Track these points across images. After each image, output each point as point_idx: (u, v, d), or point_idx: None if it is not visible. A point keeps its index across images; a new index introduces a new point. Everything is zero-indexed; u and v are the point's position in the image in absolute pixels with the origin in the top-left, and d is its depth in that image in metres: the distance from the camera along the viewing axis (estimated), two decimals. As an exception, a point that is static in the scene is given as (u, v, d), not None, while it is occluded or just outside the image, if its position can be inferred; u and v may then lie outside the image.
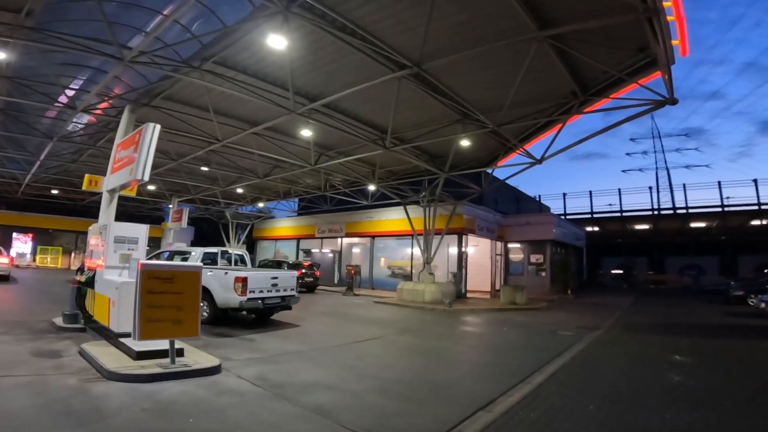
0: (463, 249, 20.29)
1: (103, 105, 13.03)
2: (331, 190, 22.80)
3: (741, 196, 41.18)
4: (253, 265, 28.02)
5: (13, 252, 27.88)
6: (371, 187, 21.08)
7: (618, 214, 40.70)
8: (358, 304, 16.23)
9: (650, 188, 43.05)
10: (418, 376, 5.99)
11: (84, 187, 10.50)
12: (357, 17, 8.28)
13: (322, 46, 9.51)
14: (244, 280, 8.55)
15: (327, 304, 15.69)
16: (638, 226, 41.35)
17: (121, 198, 29.61)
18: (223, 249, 10.74)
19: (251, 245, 33.65)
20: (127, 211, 33.73)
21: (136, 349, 5.35)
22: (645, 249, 42.39)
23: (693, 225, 39.23)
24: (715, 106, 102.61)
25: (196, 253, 10.00)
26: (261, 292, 8.96)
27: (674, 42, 8.73)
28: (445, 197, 18.94)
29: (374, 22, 8.43)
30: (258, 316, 10.22)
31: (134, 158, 6.93)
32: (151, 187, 24.54)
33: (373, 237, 23.75)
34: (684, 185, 38.42)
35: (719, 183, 35.94)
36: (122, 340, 5.66)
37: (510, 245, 24.84)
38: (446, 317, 13.11)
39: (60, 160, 20.29)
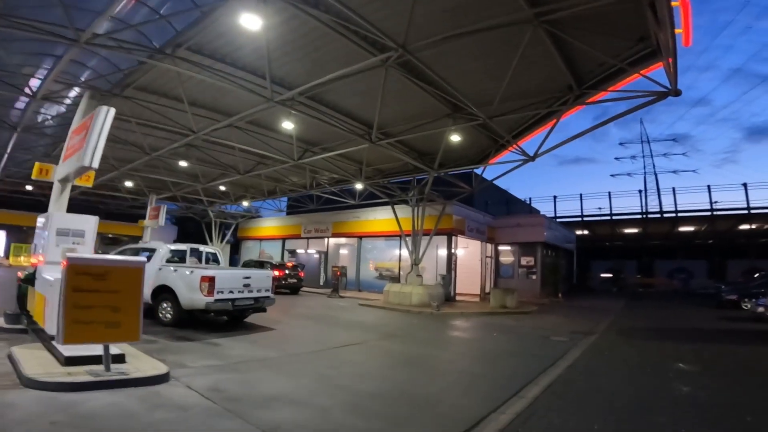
0: (453, 250, 19.67)
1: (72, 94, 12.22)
2: (318, 188, 22.07)
3: (728, 200, 41.29)
4: (236, 265, 27.19)
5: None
6: (358, 186, 20.41)
7: (608, 218, 40.50)
8: (342, 306, 15.51)
9: (640, 191, 42.99)
10: (398, 388, 5.31)
11: (33, 176, 9.66)
12: (338, -5, 7.61)
13: (303, 34, 8.90)
14: (211, 279, 7.80)
15: (309, 307, 14.94)
16: (627, 230, 41.24)
17: (99, 195, 28.51)
18: (193, 246, 9.95)
19: (236, 245, 32.71)
20: (108, 209, 32.66)
21: (66, 353, 4.59)
22: (634, 252, 42.31)
23: (682, 229, 39.19)
24: (702, 112, 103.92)
25: (162, 250, 9.19)
26: (231, 292, 8.22)
27: (677, 30, 8.21)
28: (434, 197, 18.33)
29: (360, 6, 7.76)
30: (230, 319, 9.48)
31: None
32: (128, 184, 23.57)
33: (360, 237, 23.04)
34: (673, 189, 38.47)
35: (708, 187, 35.88)
36: (54, 343, 4.88)
37: (500, 247, 24.32)
38: (434, 321, 12.45)
39: (33, 154, 19.26)
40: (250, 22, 7.73)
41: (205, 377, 5.17)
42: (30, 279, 6.34)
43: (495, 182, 32.56)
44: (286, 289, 19.68)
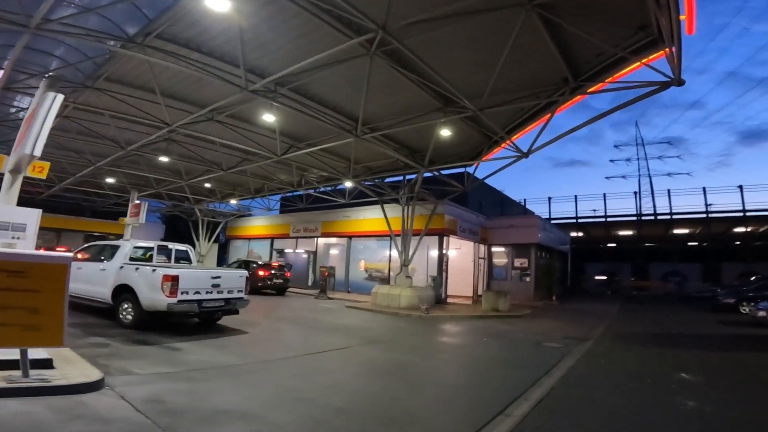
0: (444, 251, 19.07)
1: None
2: (306, 186, 21.45)
3: (722, 202, 41.03)
4: (224, 264, 26.42)
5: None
6: (347, 184, 19.80)
7: (602, 220, 40.16)
8: (328, 308, 14.87)
9: (635, 193, 42.67)
10: (371, 402, 4.70)
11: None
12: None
13: (278, 19, 8.36)
14: (174, 278, 7.16)
15: (293, 308, 14.29)
16: (622, 232, 40.91)
17: (82, 192, 27.63)
18: (161, 243, 9.30)
19: (225, 244, 31.96)
20: (93, 207, 31.87)
21: (-18, 357, 3.94)
22: (628, 255, 41.99)
23: (676, 231, 38.90)
24: (696, 116, 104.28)
25: (125, 248, 8.53)
26: (197, 293, 7.58)
27: (681, 17, 7.68)
28: (425, 195, 17.75)
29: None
30: (201, 321, 8.84)
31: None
32: (110, 180, 22.85)
33: (350, 237, 22.40)
34: (668, 191, 37.97)
35: (704, 189, 35.59)
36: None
37: (494, 248, 23.77)
38: (422, 325, 11.85)
39: (8, 147, 18.48)
40: (217, 3, 7.17)
41: (147, 386, 4.55)
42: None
43: (489, 183, 32.32)
44: (272, 290, 19.03)
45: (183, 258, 9.55)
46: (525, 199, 42.50)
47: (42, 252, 4.26)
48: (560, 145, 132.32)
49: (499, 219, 24.48)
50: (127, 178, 22.30)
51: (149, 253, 9.05)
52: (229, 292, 8.20)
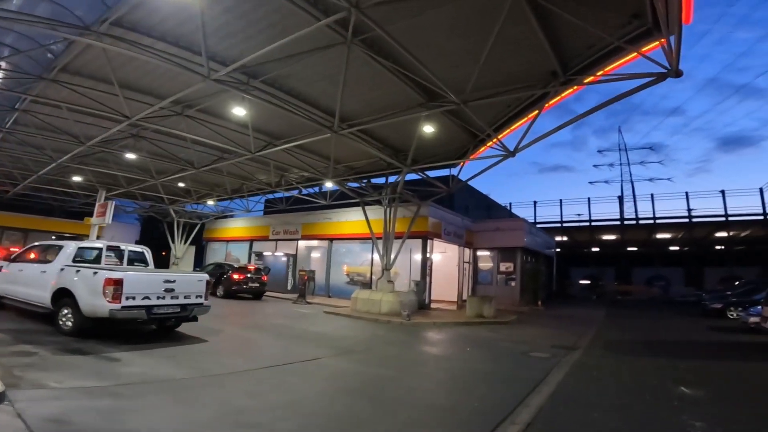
0: (428, 255, 18.41)
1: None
2: (286, 187, 20.60)
3: (703, 207, 41.45)
4: (198, 268, 25.24)
5: None
6: (329, 184, 19.07)
7: (587, 224, 40.10)
8: (304, 314, 14.05)
9: (619, 198, 42.79)
10: (330, 427, 3.96)
11: None
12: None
13: (246, 4, 7.62)
14: (117, 282, 6.33)
15: (266, 314, 13.45)
16: (606, 236, 40.96)
17: (49, 191, 26.32)
18: (112, 244, 8.43)
19: (201, 247, 30.79)
20: (63, 207, 30.42)
21: None
22: (612, 259, 42.02)
23: (659, 236, 39.08)
24: (676, 122, 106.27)
25: (69, 248, 7.65)
26: (146, 298, 6.74)
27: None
28: (409, 197, 17.08)
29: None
30: (158, 328, 7.99)
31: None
32: (76, 178, 21.65)
33: (331, 240, 21.59)
34: (652, 195, 38.12)
35: (687, 193, 35.77)
36: None
37: (479, 252, 23.22)
38: (402, 333, 11.13)
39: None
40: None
41: (57, 403, 3.83)
42: None
43: (476, 187, 31.96)
44: (248, 294, 18.12)
45: (138, 260, 8.69)
46: (510, 203, 42.30)
47: None
48: (545, 151, 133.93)
49: (484, 222, 23.97)
50: (95, 177, 21.17)
51: (95, 255, 8.16)
52: (185, 297, 7.37)
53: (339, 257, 21.46)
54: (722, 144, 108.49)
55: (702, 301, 18.95)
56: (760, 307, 12.00)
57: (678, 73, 7.86)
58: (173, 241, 27.73)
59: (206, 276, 7.86)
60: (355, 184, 18.22)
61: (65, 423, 3.37)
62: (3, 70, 10.80)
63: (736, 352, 9.32)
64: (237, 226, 27.41)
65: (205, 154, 16.22)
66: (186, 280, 7.50)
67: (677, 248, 40.94)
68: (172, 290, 7.13)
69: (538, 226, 36.23)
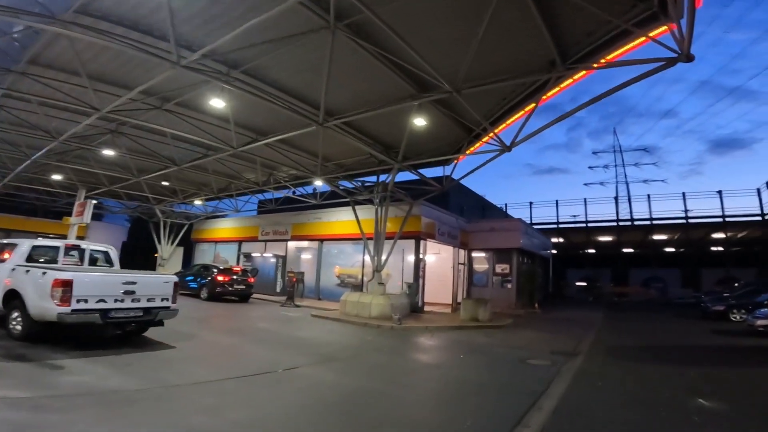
0: (421, 256, 17.76)
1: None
2: (274, 185, 19.92)
3: (699, 208, 41.27)
4: (182, 269, 24.42)
5: None
6: (318, 183, 18.42)
7: (583, 225, 39.65)
8: (290, 318, 13.37)
9: (615, 198, 42.40)
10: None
11: None
12: None
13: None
14: (66, 283, 5.66)
15: (249, 318, 12.75)
16: (602, 238, 40.54)
17: (30, 190, 25.52)
18: (72, 242, 7.77)
19: (190, 248, 29.99)
20: (47, 207, 29.55)
21: None
22: (608, 261, 41.61)
23: (656, 237, 38.70)
24: (669, 125, 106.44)
25: (24, 246, 6.97)
26: (101, 301, 6.08)
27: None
28: (401, 195, 16.46)
29: None
30: (124, 333, 7.32)
31: None
32: (57, 177, 20.87)
33: (321, 240, 20.90)
34: (648, 196, 37.68)
35: (683, 194, 35.40)
36: None
37: (474, 254, 22.61)
38: (392, 338, 10.48)
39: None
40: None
41: None
42: None
43: (471, 188, 31.38)
44: (234, 297, 17.41)
45: (103, 261, 7.99)
46: (506, 204, 41.84)
47: None
48: (539, 153, 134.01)
49: (479, 222, 23.38)
50: (76, 176, 20.41)
51: (51, 255, 7.47)
52: (149, 300, 6.70)
53: (330, 258, 20.78)
54: (715, 146, 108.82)
55: (702, 303, 18.42)
56: (766, 309, 11.47)
57: (689, 58, 7.30)
58: (159, 242, 26.93)
59: (173, 277, 7.17)
60: (347, 183, 17.60)
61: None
62: None
63: (748, 358, 8.76)
64: (226, 227, 26.67)
65: (189, 151, 15.53)
66: (149, 281, 6.82)
67: (674, 250, 40.59)
68: (132, 293, 6.46)
69: (534, 227, 35.75)
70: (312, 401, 4.93)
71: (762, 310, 11.53)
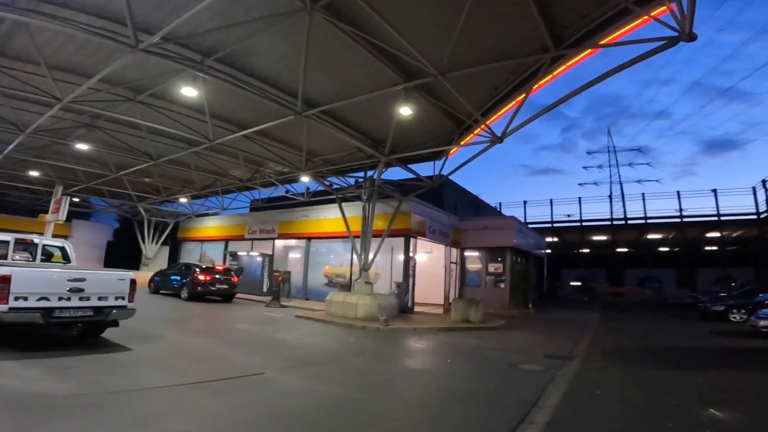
0: (411, 254, 17.13)
1: None
2: (262, 181, 19.27)
3: (694, 207, 40.96)
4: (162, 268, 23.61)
5: None
6: (304, 179, 17.77)
7: (578, 224, 39.18)
8: (272, 318, 12.72)
9: (609, 197, 42.05)
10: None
11: None
12: None
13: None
14: (3, 279, 5.01)
15: (229, 318, 12.08)
16: (597, 237, 40.13)
17: (10, 188, 24.60)
18: (22, 237, 7.10)
19: (176, 247, 29.21)
20: (29, 205, 28.64)
21: None
22: (603, 260, 41.21)
23: (651, 236, 38.35)
24: (662, 125, 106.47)
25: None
26: (44, 299, 5.43)
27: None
28: (390, 191, 15.85)
29: None
30: (78, 334, 6.69)
31: None
32: (33, 173, 20.07)
33: (309, 239, 20.24)
34: (643, 195, 37.31)
35: (678, 193, 35.03)
36: None
37: (467, 253, 22.00)
38: (377, 340, 9.85)
39: None
40: None
41: None
42: None
43: (465, 187, 30.77)
44: (217, 297, 16.72)
45: (64, 256, 7.34)
46: (500, 203, 41.33)
47: None
48: (534, 153, 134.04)
49: (472, 220, 22.78)
50: (54, 172, 19.62)
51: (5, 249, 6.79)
52: (100, 298, 6.05)
53: (318, 257, 20.12)
54: (707, 147, 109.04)
55: (700, 303, 17.95)
56: (770, 309, 10.97)
57: (691, 37, 6.76)
58: (143, 241, 26.13)
59: (129, 274, 6.50)
60: (336, 179, 16.98)
61: None
62: None
63: (754, 361, 8.21)
64: (212, 225, 25.92)
65: (169, 145, 14.82)
66: (101, 278, 6.18)
67: (669, 249, 40.28)
68: (81, 290, 5.80)
69: (529, 226, 35.26)
70: (269, 412, 4.30)
71: (765, 310, 11.01)
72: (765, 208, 29.85)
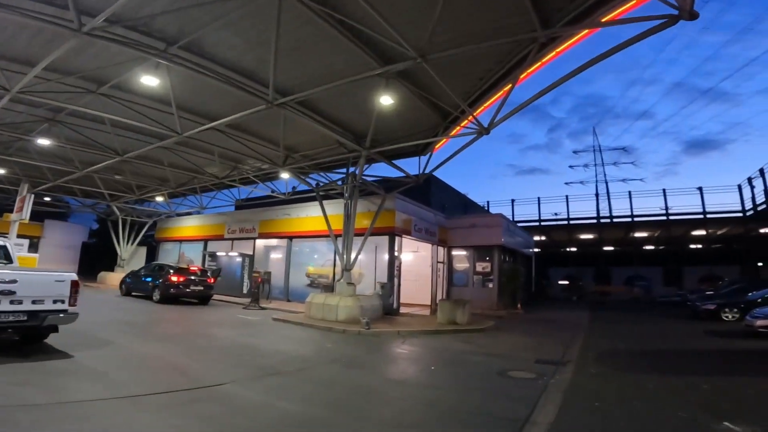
0: (396, 254, 16.48)
1: None
2: (241, 179, 18.45)
3: (679, 205, 41.07)
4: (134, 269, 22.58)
5: None
6: (284, 175, 17.03)
7: (565, 222, 39.00)
8: (248, 322, 11.96)
9: (596, 195, 41.96)
10: None
11: None
12: None
13: None
14: None
15: (199, 322, 11.28)
16: (584, 235, 39.98)
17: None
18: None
19: (153, 247, 28.16)
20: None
21: None
22: (591, 259, 41.09)
23: (637, 234, 38.30)
24: (645, 126, 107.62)
25: None
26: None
27: None
28: (373, 188, 15.18)
29: None
30: (21, 338, 5.93)
31: None
32: (0, 171, 18.97)
33: (290, 238, 19.46)
34: (629, 193, 37.25)
35: (664, 191, 35.03)
36: None
37: (454, 252, 21.43)
38: (357, 345, 9.17)
39: None
40: None
41: None
42: None
43: (453, 186, 30.25)
44: (192, 299, 15.89)
45: (4, 256, 6.54)
46: (488, 202, 40.99)
47: None
48: (521, 153, 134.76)
49: (459, 218, 22.23)
50: (21, 169, 18.56)
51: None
52: (35, 302, 5.30)
53: (300, 257, 19.36)
54: (689, 147, 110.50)
55: (689, 302, 17.66)
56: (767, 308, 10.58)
57: (693, 15, 6.21)
58: (118, 242, 25.04)
59: (71, 275, 5.74)
60: (317, 176, 16.28)
61: None
62: None
63: (758, 364, 7.74)
64: (191, 225, 24.96)
65: (137, 140, 13.94)
66: (36, 280, 5.43)
67: (655, 247, 40.31)
68: (11, 293, 5.05)
69: (517, 225, 34.90)
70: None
71: (762, 309, 10.62)
72: (751, 206, 29.93)
